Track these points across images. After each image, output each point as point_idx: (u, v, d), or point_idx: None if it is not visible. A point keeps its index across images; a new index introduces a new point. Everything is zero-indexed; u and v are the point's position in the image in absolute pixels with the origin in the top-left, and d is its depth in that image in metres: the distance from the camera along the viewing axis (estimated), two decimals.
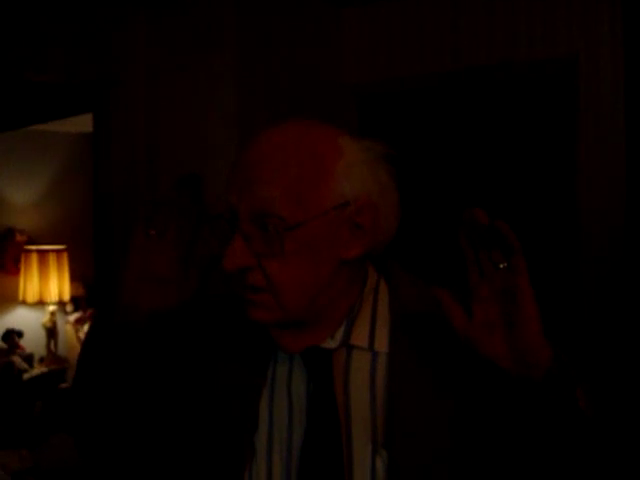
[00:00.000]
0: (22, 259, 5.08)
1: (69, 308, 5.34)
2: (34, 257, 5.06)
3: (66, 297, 5.20)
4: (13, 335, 4.99)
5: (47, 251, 5.11)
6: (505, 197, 3.10)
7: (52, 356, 5.05)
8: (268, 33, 3.08)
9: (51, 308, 5.11)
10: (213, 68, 3.03)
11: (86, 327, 5.20)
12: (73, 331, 5.24)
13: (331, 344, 1.03)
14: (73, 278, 5.25)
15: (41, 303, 5.08)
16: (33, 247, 5.14)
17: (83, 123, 4.56)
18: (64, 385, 4.89)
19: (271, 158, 0.96)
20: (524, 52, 2.99)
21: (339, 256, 1.00)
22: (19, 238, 5.23)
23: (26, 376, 4.75)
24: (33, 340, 5.08)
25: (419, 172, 3.23)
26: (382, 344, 1.04)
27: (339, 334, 1.03)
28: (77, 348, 5.18)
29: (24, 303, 5.10)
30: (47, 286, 5.06)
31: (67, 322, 5.30)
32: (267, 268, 0.97)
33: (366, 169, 0.99)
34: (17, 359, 4.81)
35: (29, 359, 4.95)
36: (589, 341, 2.79)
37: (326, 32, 3.39)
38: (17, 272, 5.12)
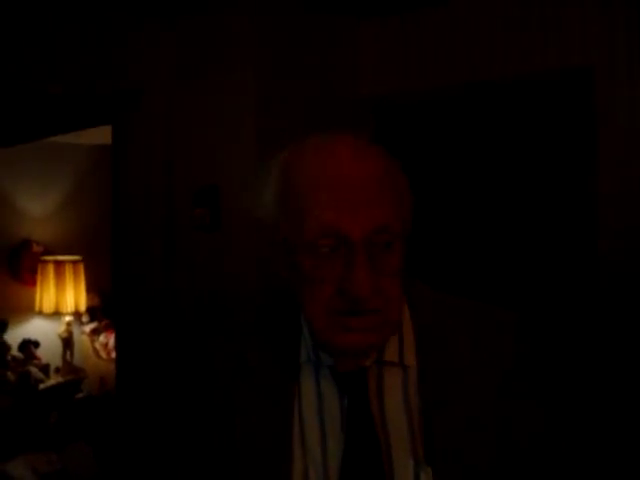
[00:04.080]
0: (38, 270, 5.12)
1: (85, 318, 5.37)
2: (50, 268, 5.10)
3: (82, 308, 5.24)
4: (29, 345, 5.02)
5: (63, 262, 5.15)
6: (522, 209, 3.10)
7: (68, 366, 5.08)
8: (286, 47, 3.11)
9: (67, 318, 5.14)
10: (231, 82, 3.06)
11: (102, 337, 5.23)
12: (89, 341, 5.27)
13: (367, 361, 1.02)
14: (89, 289, 5.28)
15: (57, 313, 5.12)
16: (49, 258, 5.18)
17: (99, 135, 4.60)
18: (80, 395, 4.91)
19: (376, 175, 0.96)
20: (539, 65, 2.99)
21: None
22: (35, 249, 5.27)
23: (42, 386, 4.77)
24: (49, 350, 5.11)
25: (435, 184, 3.24)
26: (411, 359, 1.03)
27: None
28: (93, 358, 5.21)
29: (40, 313, 5.14)
30: (63, 297, 5.09)
31: (83, 332, 5.33)
32: (383, 287, 0.95)
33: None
34: (33, 369, 4.83)
35: (45, 369, 4.97)
36: (604, 338, 2.78)
37: (343, 45, 3.41)
38: (34, 283, 5.16)
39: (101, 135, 4.47)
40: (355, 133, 1.05)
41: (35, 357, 5.01)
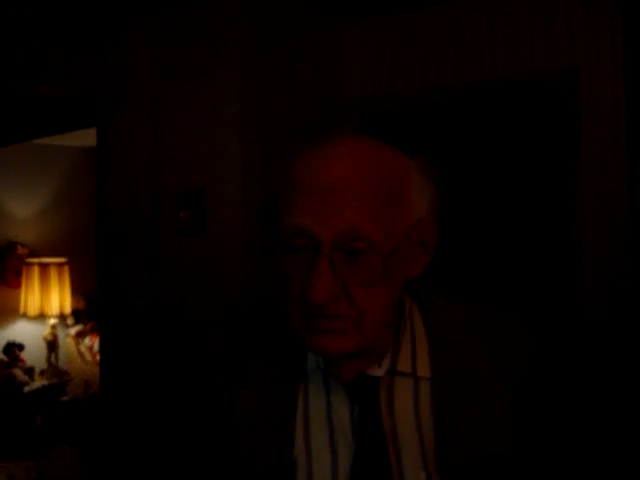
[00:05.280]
0: (23, 272, 5.09)
1: (70, 321, 5.34)
2: (35, 270, 5.07)
3: (67, 310, 5.20)
4: (14, 348, 4.99)
5: (48, 264, 5.12)
6: (506, 211, 3.11)
7: (53, 369, 5.05)
8: (272, 48, 3.11)
9: (52, 321, 5.11)
10: (217, 83, 3.05)
11: (87, 340, 5.20)
12: (74, 344, 5.24)
13: (379, 372, 1.00)
14: (74, 291, 5.25)
15: (42, 316, 5.08)
16: (34, 260, 5.14)
17: (85, 137, 4.58)
18: (64, 398, 4.89)
19: (354, 180, 0.90)
20: (525, 67, 3.01)
21: (406, 276, 0.98)
22: (20, 251, 5.23)
23: (27, 389, 4.74)
24: (34, 353, 5.08)
25: None
26: (424, 370, 1.01)
27: (387, 361, 1.00)
28: (78, 361, 5.18)
29: (25, 316, 5.10)
30: (48, 299, 5.06)
31: (68, 335, 5.30)
32: (354, 295, 0.91)
33: (428, 185, 0.98)
34: (18, 372, 4.80)
35: (30, 372, 4.94)
36: (588, 346, 2.80)
37: (329, 46, 3.41)
38: (18, 285, 5.13)
39: (87, 137, 4.46)
40: (360, 134, 1.00)
41: (20, 360, 4.97)
